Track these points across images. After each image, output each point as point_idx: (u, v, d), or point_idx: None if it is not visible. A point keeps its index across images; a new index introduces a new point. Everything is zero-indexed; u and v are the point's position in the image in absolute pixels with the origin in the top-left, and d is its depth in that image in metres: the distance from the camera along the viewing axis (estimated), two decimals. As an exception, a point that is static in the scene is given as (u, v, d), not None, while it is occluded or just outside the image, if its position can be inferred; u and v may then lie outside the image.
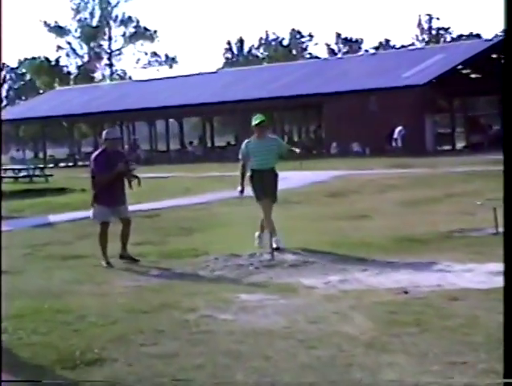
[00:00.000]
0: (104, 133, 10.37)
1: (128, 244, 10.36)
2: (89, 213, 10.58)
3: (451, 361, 5.14)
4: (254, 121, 10.85)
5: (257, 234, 10.92)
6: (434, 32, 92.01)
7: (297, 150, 12.04)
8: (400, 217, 13.74)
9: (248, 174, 10.92)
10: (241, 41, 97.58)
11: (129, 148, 51.94)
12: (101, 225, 10.14)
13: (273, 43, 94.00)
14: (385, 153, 37.66)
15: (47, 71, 79.57)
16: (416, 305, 6.85)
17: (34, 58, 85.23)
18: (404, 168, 27.29)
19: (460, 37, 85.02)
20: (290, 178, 24.22)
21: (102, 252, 10.06)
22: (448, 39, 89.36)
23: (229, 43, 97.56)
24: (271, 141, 10.96)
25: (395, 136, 39.64)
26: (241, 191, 10.92)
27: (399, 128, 39.34)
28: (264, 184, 10.74)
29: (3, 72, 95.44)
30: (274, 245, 10.25)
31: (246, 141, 11.08)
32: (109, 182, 10.01)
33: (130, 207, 10.76)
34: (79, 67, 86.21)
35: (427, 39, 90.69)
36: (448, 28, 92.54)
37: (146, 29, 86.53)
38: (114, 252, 10.22)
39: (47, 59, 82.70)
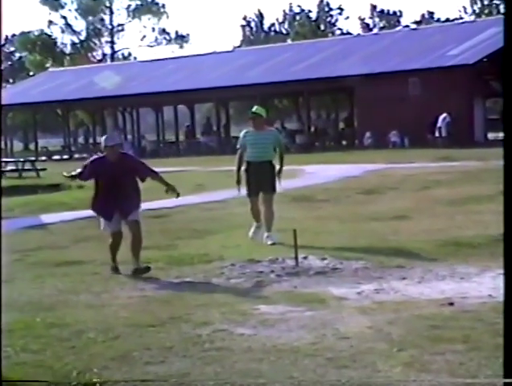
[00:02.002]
0: (102, 139, 10.50)
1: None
2: (88, 212, 10.66)
3: (504, 384, 5.12)
4: (250, 112, 12.18)
5: (254, 226, 11.94)
6: (486, 2, 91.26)
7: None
8: (445, 218, 13.71)
9: (243, 167, 12.07)
10: (260, 15, 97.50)
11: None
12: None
13: (297, 17, 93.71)
14: (427, 144, 37.59)
15: (43, 48, 79.78)
16: (464, 319, 6.84)
17: (27, 32, 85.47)
18: (449, 161, 27.21)
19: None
20: (317, 173, 24.28)
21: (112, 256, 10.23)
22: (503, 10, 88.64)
23: (245, 18, 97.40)
24: (269, 134, 12.13)
25: (439, 124, 39.50)
26: (238, 182, 12.03)
27: (444, 115, 39.19)
28: (259, 178, 11.80)
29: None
30: (269, 242, 11.40)
31: (245, 130, 12.33)
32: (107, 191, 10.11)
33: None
34: (75, 45, 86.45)
35: (477, 11, 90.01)
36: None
37: (153, 2, 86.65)
38: (124, 256, 10.24)
39: (44, 32, 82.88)
